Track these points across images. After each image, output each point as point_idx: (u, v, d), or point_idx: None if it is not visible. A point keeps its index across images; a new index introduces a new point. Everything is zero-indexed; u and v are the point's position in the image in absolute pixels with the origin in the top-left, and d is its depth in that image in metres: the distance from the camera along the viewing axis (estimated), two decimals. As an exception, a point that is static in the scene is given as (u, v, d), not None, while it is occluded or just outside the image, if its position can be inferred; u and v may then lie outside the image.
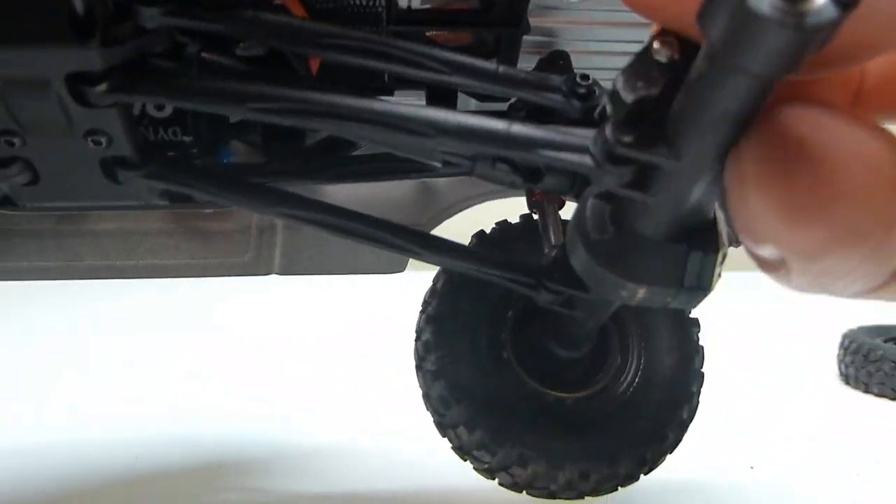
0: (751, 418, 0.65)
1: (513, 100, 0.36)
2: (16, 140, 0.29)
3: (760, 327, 1.11)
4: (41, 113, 0.28)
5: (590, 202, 0.25)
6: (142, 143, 0.30)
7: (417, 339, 0.46)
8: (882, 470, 0.52)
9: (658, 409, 0.45)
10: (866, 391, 0.89)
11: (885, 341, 0.98)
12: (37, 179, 0.31)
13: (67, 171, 0.30)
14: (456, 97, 0.41)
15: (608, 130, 0.18)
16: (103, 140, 0.29)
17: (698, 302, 0.23)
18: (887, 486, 0.49)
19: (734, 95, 0.16)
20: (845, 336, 0.96)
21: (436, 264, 0.37)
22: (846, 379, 0.92)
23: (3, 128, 0.28)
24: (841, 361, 0.95)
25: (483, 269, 0.33)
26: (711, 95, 0.16)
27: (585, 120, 0.31)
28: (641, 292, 0.22)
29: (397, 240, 0.32)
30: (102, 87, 0.27)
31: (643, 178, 0.20)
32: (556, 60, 0.39)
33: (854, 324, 0.96)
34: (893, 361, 0.91)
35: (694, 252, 0.22)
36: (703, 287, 0.22)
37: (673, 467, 0.43)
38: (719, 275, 0.23)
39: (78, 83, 0.27)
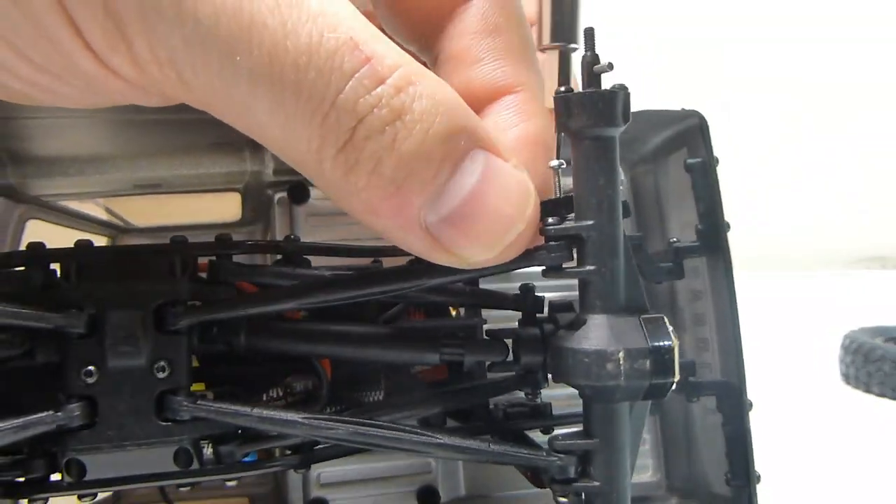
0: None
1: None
2: None
3: (761, 327, 1.12)
4: None
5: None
6: None
7: None
8: (882, 470, 0.53)
9: None
10: (867, 391, 0.90)
11: (886, 341, 1.00)
12: None
13: None
14: None
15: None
16: None
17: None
18: (887, 486, 0.50)
19: None
20: (846, 336, 0.98)
21: None
22: (847, 379, 0.94)
23: None
24: (842, 361, 0.97)
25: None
26: None
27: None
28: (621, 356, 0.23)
29: None
30: None
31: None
32: None
33: (856, 325, 0.98)
34: (893, 361, 0.93)
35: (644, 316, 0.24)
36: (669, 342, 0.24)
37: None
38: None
39: None
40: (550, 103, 0.24)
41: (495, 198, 0.22)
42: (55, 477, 0.26)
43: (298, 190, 0.38)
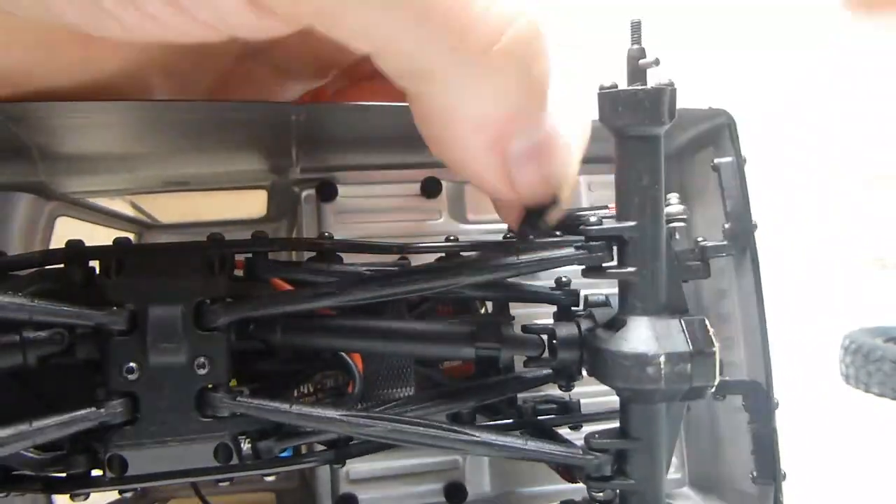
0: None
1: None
2: None
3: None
4: None
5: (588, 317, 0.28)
6: None
7: None
8: (882, 469, 0.54)
9: None
10: (867, 391, 0.91)
11: (886, 341, 1.01)
12: None
13: None
14: None
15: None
16: None
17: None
18: (887, 486, 0.51)
19: None
20: (846, 336, 0.98)
21: None
22: (847, 379, 0.95)
23: None
24: (842, 361, 0.98)
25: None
26: None
27: None
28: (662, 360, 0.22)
29: None
30: None
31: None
32: None
33: (856, 325, 0.99)
34: (893, 361, 0.94)
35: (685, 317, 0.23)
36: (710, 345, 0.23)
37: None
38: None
39: None
40: None
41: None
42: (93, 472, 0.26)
43: (326, 187, 0.38)
